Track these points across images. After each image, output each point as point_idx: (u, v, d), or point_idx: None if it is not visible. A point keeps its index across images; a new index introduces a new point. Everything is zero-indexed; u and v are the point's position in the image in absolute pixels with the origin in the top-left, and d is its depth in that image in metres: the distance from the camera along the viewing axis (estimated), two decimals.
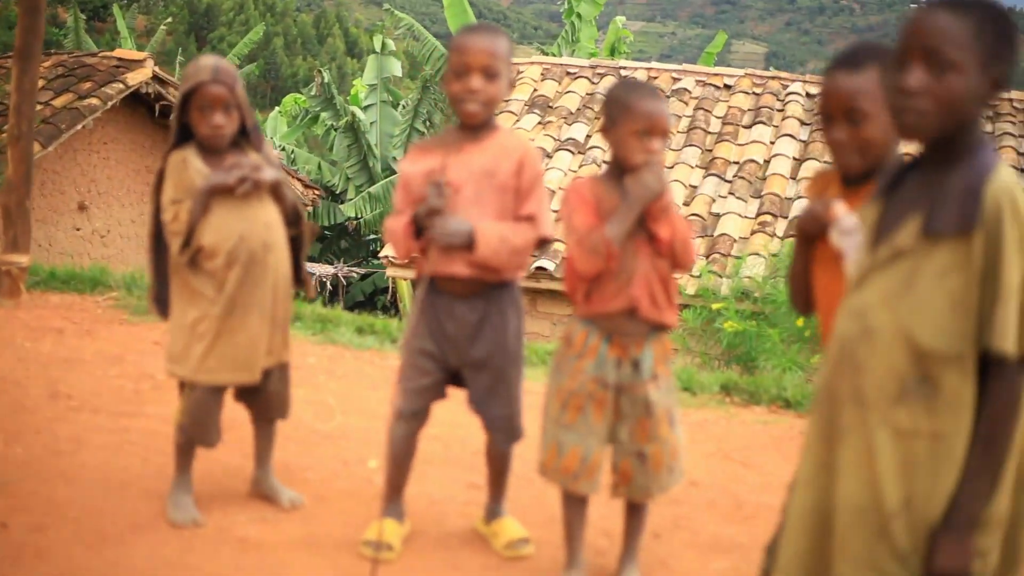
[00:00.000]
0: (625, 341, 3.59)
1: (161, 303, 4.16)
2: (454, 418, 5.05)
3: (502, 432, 3.96)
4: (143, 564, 3.72)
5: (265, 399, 4.23)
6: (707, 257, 11.39)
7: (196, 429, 4.11)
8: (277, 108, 24.85)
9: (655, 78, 14.48)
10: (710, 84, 14.54)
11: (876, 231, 2.38)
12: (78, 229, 13.45)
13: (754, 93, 14.34)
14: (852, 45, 2.95)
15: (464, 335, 3.85)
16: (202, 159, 4.01)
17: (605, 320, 3.60)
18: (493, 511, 4.14)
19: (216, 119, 3.94)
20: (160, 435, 4.85)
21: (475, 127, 3.81)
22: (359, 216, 20.85)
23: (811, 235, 2.90)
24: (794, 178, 12.68)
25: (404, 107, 23.85)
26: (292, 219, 4.17)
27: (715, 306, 10.04)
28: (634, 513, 3.78)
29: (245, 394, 4.24)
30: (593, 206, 3.59)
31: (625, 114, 3.57)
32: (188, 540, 3.94)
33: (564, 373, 3.66)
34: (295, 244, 4.20)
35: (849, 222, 2.76)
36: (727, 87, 14.46)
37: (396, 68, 24.17)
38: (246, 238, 3.97)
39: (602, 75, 14.70)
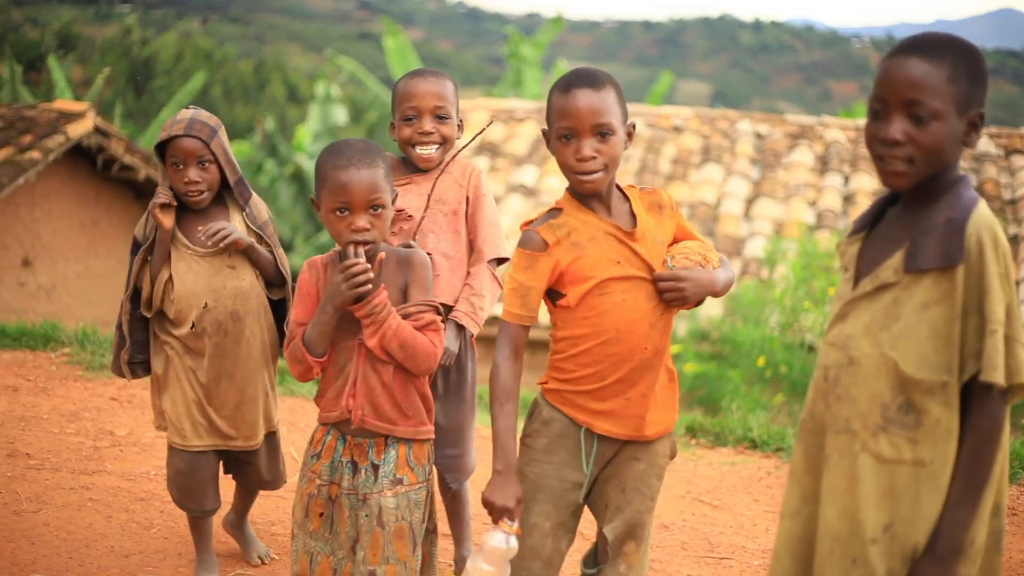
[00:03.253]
0: (362, 443, 3.15)
1: (132, 365, 3.96)
2: None
3: (452, 471, 3.91)
4: None
5: (255, 471, 4.05)
6: None
7: (175, 493, 3.96)
8: None
9: None
10: (659, 126, 14.62)
11: (857, 265, 2.43)
12: (22, 284, 13.22)
13: (702, 135, 14.43)
14: None
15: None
16: (180, 218, 3.85)
17: (334, 425, 3.20)
18: (463, 560, 4.07)
19: (190, 174, 3.76)
20: (122, 492, 4.77)
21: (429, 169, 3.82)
22: None
23: None
24: (746, 217, 12.80)
25: None
26: (276, 281, 3.97)
27: (673, 349, 10.03)
28: None
29: (233, 465, 4.08)
30: (314, 297, 3.15)
31: (322, 187, 3.07)
32: None
33: (304, 476, 3.21)
34: (280, 308, 4.01)
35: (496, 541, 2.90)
36: (676, 129, 14.55)
37: (340, 115, 24.04)
38: (211, 308, 3.80)
39: None
